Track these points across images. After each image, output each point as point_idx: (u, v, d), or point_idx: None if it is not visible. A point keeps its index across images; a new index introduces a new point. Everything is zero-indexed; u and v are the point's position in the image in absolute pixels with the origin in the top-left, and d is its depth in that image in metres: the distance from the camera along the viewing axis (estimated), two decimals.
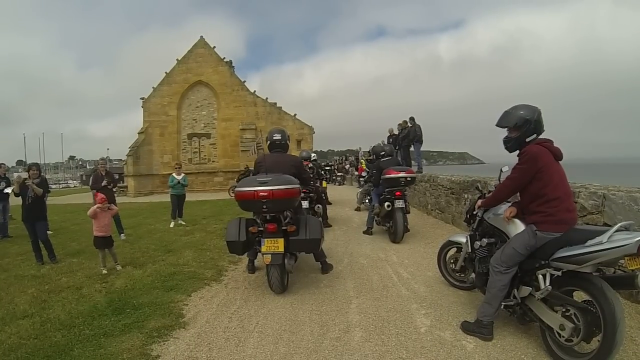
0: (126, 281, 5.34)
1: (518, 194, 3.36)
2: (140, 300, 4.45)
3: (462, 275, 4.51)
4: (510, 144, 3.30)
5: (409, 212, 7.41)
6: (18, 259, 7.27)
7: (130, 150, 26.99)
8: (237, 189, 4.58)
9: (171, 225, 10.34)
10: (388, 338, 3.39)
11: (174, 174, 10.88)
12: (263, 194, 4.22)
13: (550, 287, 2.92)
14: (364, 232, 8.01)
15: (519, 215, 3.32)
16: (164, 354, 3.25)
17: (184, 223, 10.56)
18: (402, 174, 7.08)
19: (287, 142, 5.38)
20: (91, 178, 9.25)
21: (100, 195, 6.63)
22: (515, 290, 3.26)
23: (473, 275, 4.06)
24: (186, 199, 11.22)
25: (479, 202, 3.80)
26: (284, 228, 4.50)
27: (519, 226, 3.27)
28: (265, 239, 4.47)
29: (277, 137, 5.25)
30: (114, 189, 9.24)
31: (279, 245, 4.43)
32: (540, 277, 3.00)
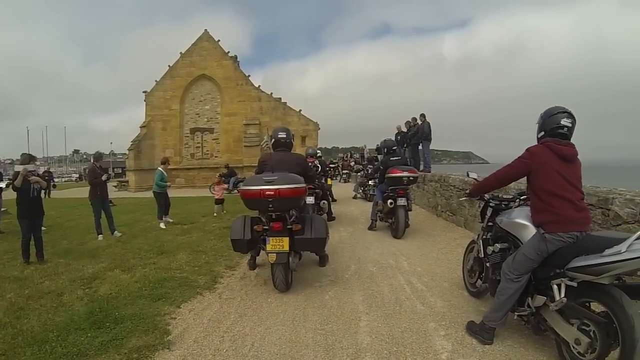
0: (111, 287, 4.89)
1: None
2: (123, 312, 3.97)
3: (472, 277, 4.26)
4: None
5: (410, 210, 7.67)
6: (4, 258, 6.86)
7: (131, 144, 26.55)
8: (242, 187, 4.47)
9: (162, 226, 9.58)
10: None
11: (162, 169, 10.19)
12: (269, 192, 4.20)
13: (565, 299, 2.73)
14: (369, 228, 8.25)
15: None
16: None
17: (171, 220, 10.12)
18: (405, 174, 7.29)
19: (292, 140, 5.35)
20: (88, 172, 8.83)
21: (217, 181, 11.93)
22: (530, 298, 3.08)
23: (481, 282, 4.00)
24: (188, 196, 10.81)
25: (467, 189, 3.70)
26: (289, 227, 4.46)
27: (531, 231, 3.12)
28: (271, 238, 4.41)
29: (282, 135, 5.20)
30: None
31: (284, 244, 4.36)
32: (555, 287, 2.81)
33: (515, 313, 3.18)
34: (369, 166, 14.75)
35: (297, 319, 3.77)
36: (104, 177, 8.42)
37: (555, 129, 3.07)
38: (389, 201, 7.26)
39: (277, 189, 4.20)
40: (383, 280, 4.83)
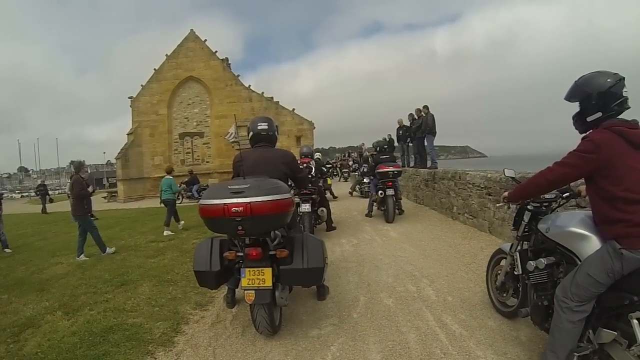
0: (42, 341, 3.70)
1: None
2: None
3: (503, 295, 3.47)
4: (575, 123, 2.53)
5: (400, 199, 9.31)
6: None
7: (119, 153, 25.36)
8: (201, 202, 3.11)
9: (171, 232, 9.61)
10: None
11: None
12: (236, 209, 2.89)
13: None
14: (366, 215, 9.53)
15: (593, 227, 2.42)
16: None
17: (172, 232, 9.63)
18: (390, 169, 8.53)
19: (276, 133, 4.02)
20: (74, 184, 7.60)
21: None
22: (591, 332, 2.31)
23: (515, 300, 3.30)
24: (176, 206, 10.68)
25: (506, 193, 2.98)
26: (272, 253, 3.20)
27: (594, 243, 2.35)
28: (247, 269, 3.15)
29: (263, 126, 3.88)
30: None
31: (265, 277, 3.11)
32: (635, 322, 2.05)
33: (575, 354, 2.33)
34: (364, 165, 15.24)
35: None
36: (90, 189, 7.59)
37: (619, 105, 2.30)
38: (380, 192, 8.61)
39: (248, 202, 2.88)
40: (405, 321, 3.53)
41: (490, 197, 6.76)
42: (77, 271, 6.34)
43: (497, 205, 3.68)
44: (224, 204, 2.91)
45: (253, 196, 2.90)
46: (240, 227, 2.94)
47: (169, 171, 10.81)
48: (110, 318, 4.04)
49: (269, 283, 3.08)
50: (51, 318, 4.28)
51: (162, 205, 10.42)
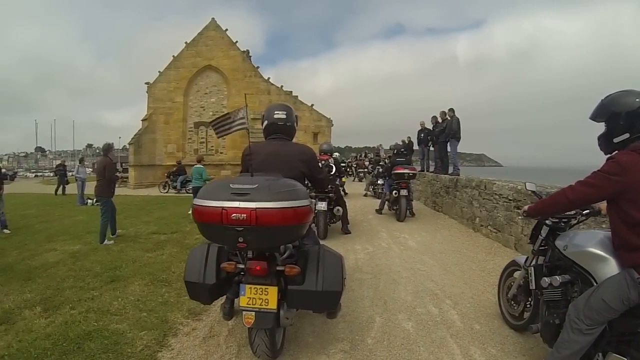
0: (12, 342, 3.28)
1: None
2: None
3: (515, 306, 3.42)
4: (600, 144, 2.42)
5: (412, 200, 9.70)
6: None
7: (132, 139, 25.05)
8: (195, 202, 2.52)
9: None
10: None
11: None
12: (238, 215, 2.28)
13: None
14: (376, 211, 10.23)
15: (612, 250, 2.32)
16: None
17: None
18: (406, 171, 9.03)
19: (295, 125, 3.36)
20: (106, 167, 7.38)
21: None
22: (600, 355, 2.23)
23: (527, 313, 3.26)
24: (186, 196, 11.17)
25: (526, 207, 2.84)
26: (280, 268, 2.60)
27: (612, 266, 2.26)
28: (247, 286, 2.56)
29: (280, 115, 3.26)
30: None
31: (269, 298, 2.53)
32: None
33: None
34: (377, 167, 15.66)
35: None
36: (117, 173, 7.72)
37: None
38: (394, 192, 9.09)
39: (254, 209, 2.27)
40: (428, 353, 3.00)
41: (519, 210, 6.19)
42: (68, 260, 5.93)
43: (519, 217, 3.39)
44: (223, 207, 2.31)
45: (261, 200, 2.30)
46: (241, 239, 2.35)
47: (199, 160, 11.13)
48: (91, 321, 3.59)
49: (273, 305, 2.51)
50: (29, 314, 3.87)
51: (190, 192, 10.75)
